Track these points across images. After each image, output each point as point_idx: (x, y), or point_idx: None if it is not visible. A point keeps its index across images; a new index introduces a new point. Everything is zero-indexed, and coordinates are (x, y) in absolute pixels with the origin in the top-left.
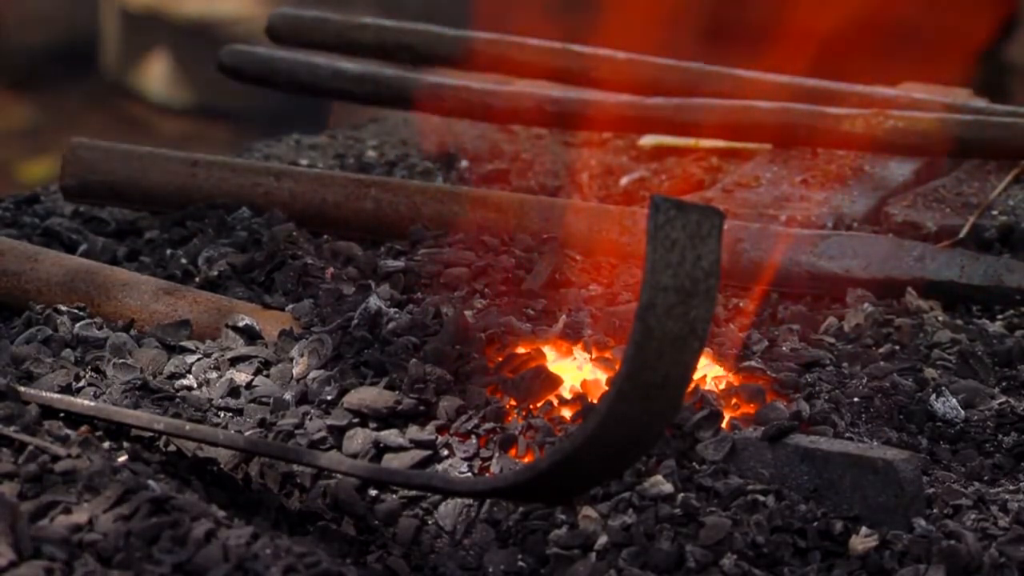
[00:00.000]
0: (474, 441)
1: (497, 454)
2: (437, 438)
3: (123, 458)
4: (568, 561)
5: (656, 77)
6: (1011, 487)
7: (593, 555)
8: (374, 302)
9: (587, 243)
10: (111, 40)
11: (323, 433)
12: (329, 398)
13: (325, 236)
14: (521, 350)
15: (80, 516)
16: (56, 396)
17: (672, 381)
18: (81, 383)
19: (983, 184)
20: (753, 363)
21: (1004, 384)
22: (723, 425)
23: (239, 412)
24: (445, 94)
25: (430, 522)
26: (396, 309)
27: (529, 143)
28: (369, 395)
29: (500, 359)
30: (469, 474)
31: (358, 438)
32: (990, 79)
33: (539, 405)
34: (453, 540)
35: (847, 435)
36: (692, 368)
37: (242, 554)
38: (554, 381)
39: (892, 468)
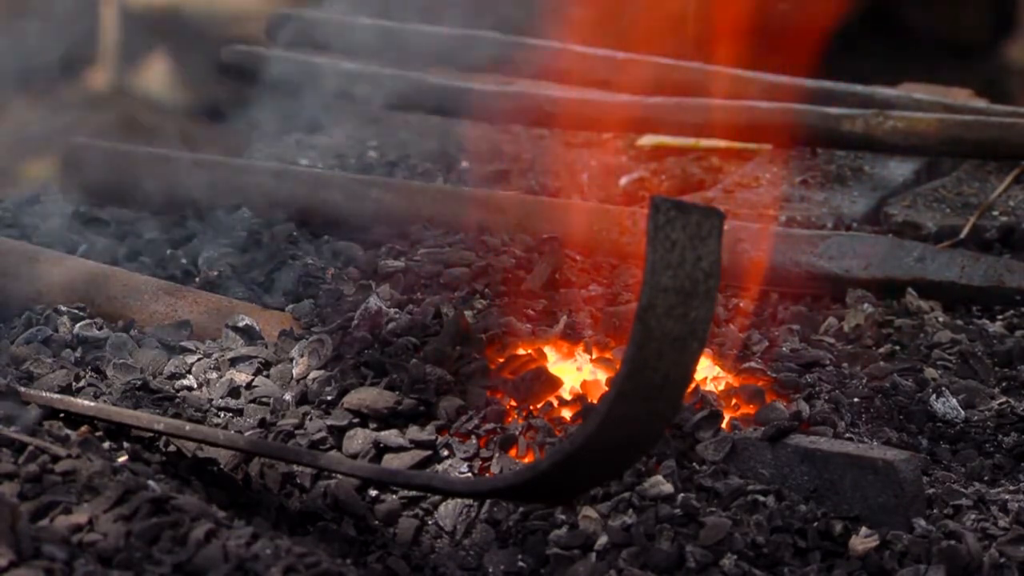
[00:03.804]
0: (474, 441)
1: (497, 454)
2: (437, 438)
3: (123, 458)
4: (568, 561)
5: (656, 77)
6: (1011, 487)
7: (593, 555)
8: (374, 302)
9: (587, 243)
10: (111, 40)
11: (323, 433)
12: (329, 398)
13: (325, 236)
14: (521, 351)
15: (80, 516)
16: (56, 396)
17: (672, 382)
18: (81, 383)
19: (983, 184)
20: (753, 363)
21: (1004, 384)
22: (723, 425)
23: (239, 412)
24: (446, 95)
25: (430, 522)
26: (396, 309)
27: (529, 143)
28: (369, 395)
29: (501, 360)
30: (469, 474)
31: (358, 438)
32: (990, 79)
33: (539, 406)
34: (453, 540)
35: (847, 435)
36: (692, 369)
37: (242, 554)
38: (554, 382)
39: (892, 468)
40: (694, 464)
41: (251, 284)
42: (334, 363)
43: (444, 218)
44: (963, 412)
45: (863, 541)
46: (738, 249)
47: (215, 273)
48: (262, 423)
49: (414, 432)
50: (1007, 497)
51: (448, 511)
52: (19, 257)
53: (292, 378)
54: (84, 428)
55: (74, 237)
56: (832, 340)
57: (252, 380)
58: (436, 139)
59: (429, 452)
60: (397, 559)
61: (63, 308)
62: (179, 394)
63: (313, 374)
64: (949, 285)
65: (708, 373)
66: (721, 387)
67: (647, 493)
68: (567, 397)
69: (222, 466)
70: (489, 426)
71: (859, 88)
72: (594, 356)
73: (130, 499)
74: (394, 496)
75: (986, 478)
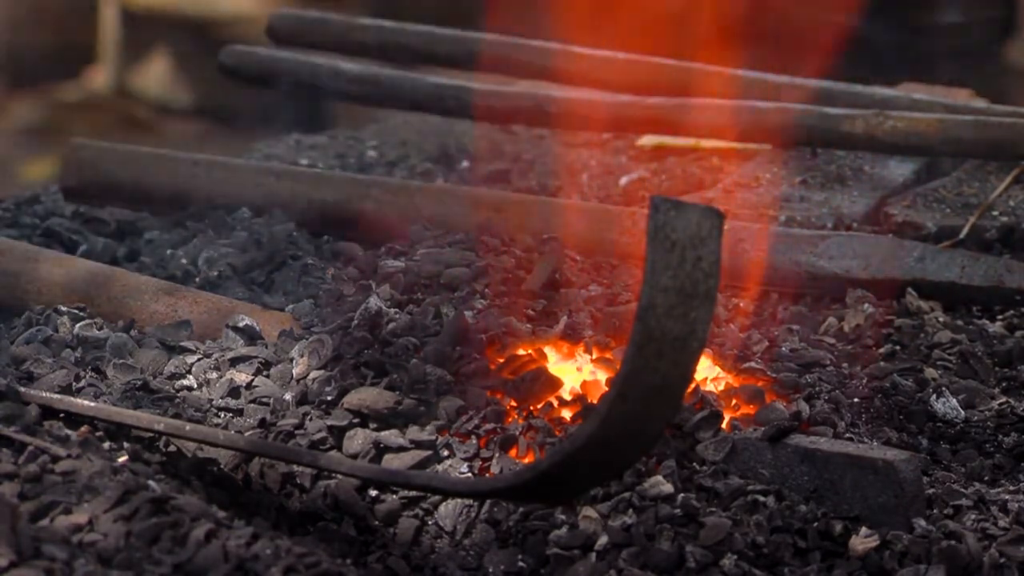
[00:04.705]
0: (474, 441)
1: (497, 454)
2: (437, 438)
3: (123, 458)
4: (568, 561)
5: (656, 77)
6: (1011, 487)
7: (593, 555)
8: (374, 302)
9: (587, 243)
10: (111, 40)
11: (323, 433)
12: (329, 398)
13: (325, 236)
14: (522, 351)
15: (80, 516)
16: (56, 396)
17: (672, 382)
18: (81, 383)
19: (983, 184)
20: (753, 364)
21: (1004, 384)
22: (723, 426)
23: (239, 412)
24: (445, 95)
25: (430, 522)
26: (396, 310)
27: (530, 143)
28: (369, 395)
29: (501, 360)
30: (469, 474)
31: (358, 438)
32: (990, 79)
33: (539, 406)
34: (453, 540)
35: (847, 435)
36: (692, 369)
37: (242, 554)
38: (554, 382)
39: (892, 468)
40: (694, 464)
41: (251, 284)
42: (334, 363)
43: (444, 218)
44: (963, 412)
45: (863, 541)
46: (738, 249)
47: (215, 273)
48: (262, 423)
49: (414, 432)
50: (1007, 497)
51: (448, 511)
52: (19, 257)
53: (292, 378)
54: (84, 428)
55: (74, 237)
56: (832, 340)
57: (252, 380)
58: (436, 139)
59: (429, 452)
60: (397, 559)
61: (63, 308)
62: (179, 394)
63: (313, 374)
64: (949, 285)
65: (708, 373)
66: (721, 387)
67: (647, 493)
68: (567, 397)
69: (222, 466)
70: (489, 426)
71: (859, 88)
72: (594, 356)
73: (130, 499)
74: (394, 496)
75: (986, 478)
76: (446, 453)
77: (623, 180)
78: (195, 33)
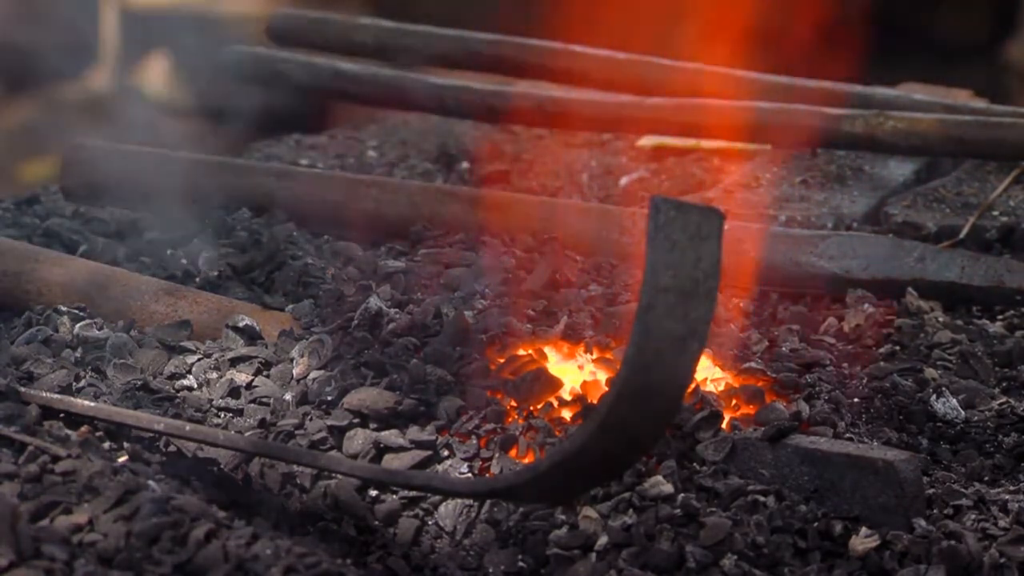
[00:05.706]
0: (474, 442)
1: (497, 455)
2: (437, 439)
3: (123, 458)
4: (568, 561)
5: (656, 77)
6: (1011, 487)
7: (593, 555)
8: (374, 303)
9: (587, 243)
10: (111, 40)
11: (323, 433)
12: (329, 399)
13: (325, 236)
14: (522, 351)
15: (80, 516)
16: (56, 396)
17: (672, 382)
18: (81, 383)
19: (983, 184)
20: (753, 363)
21: (1004, 384)
22: (723, 426)
23: (239, 412)
24: (445, 95)
25: (430, 522)
26: (396, 310)
27: (530, 144)
28: (369, 396)
29: (501, 360)
30: (469, 475)
31: (358, 438)
32: (990, 79)
33: (539, 406)
34: (453, 540)
35: (847, 436)
36: (692, 369)
37: (242, 554)
38: (554, 383)
39: (892, 469)
40: (694, 464)
41: (251, 284)
42: (334, 363)
43: (444, 218)
44: (963, 412)
45: (863, 541)
46: (738, 249)
47: (215, 273)
48: (262, 423)
49: (414, 432)
50: (1007, 497)
51: (448, 511)
52: (19, 257)
53: (292, 378)
54: (84, 428)
55: (74, 237)
56: (832, 340)
57: (252, 380)
58: (436, 139)
59: (429, 452)
60: (397, 559)
61: (63, 308)
62: (179, 394)
63: (313, 374)
64: (949, 285)
65: (708, 373)
66: (721, 387)
67: (647, 493)
68: (567, 398)
69: (222, 466)
70: (489, 426)
71: (859, 88)
72: (594, 356)
73: (130, 499)
74: (394, 496)
75: (986, 478)
76: (446, 453)
77: (623, 180)
78: (195, 33)
